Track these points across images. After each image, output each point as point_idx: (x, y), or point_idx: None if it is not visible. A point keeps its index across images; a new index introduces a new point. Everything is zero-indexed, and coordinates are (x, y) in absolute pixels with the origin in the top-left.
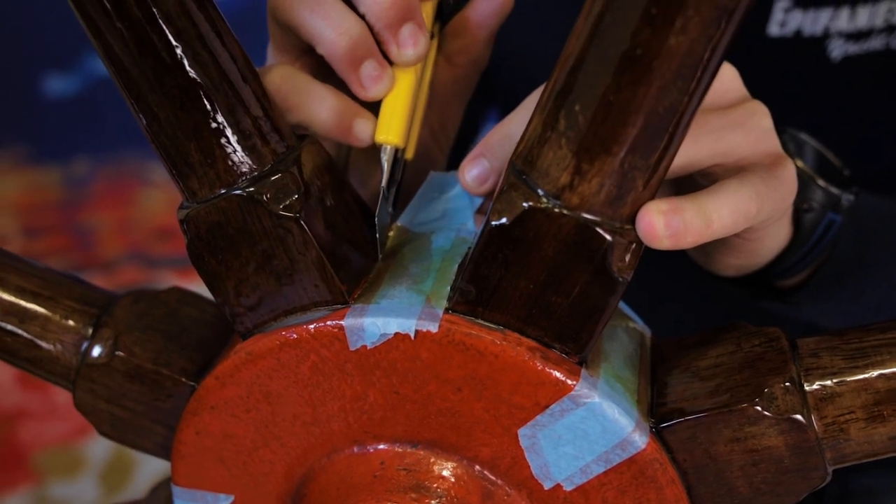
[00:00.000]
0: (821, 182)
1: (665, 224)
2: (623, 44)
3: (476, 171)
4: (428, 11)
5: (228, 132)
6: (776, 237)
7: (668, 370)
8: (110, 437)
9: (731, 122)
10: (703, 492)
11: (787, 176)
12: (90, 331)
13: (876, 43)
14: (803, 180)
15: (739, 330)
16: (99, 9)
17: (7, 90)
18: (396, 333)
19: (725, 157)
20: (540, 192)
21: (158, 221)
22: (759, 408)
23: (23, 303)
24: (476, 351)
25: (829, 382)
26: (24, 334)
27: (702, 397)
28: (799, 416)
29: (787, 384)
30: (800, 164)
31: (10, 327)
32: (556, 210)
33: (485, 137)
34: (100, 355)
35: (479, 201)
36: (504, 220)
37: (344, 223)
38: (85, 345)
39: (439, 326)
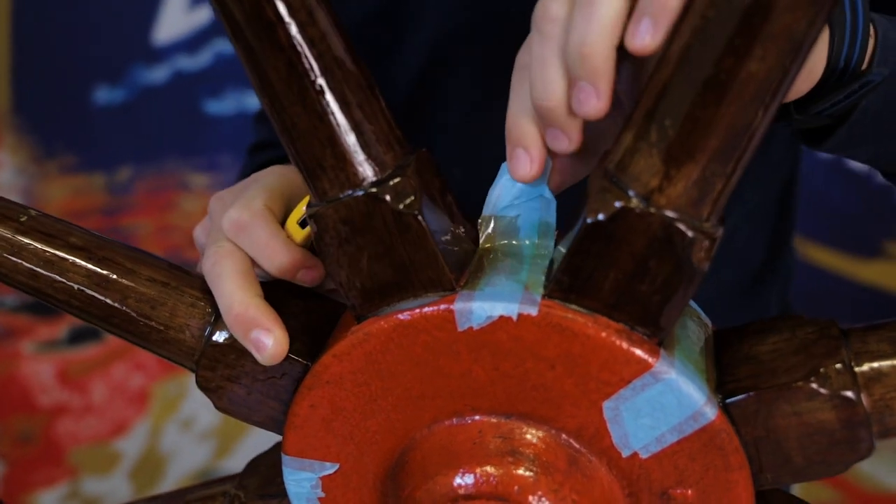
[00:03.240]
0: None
1: None
2: (709, 69)
3: (519, 161)
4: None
5: (359, 141)
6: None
7: (730, 354)
8: (226, 412)
9: None
10: (762, 461)
11: None
12: (213, 317)
13: None
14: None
15: (794, 319)
16: (255, 37)
17: (60, 101)
18: (501, 316)
19: None
20: (631, 193)
21: (194, 226)
22: (815, 386)
23: (154, 292)
24: (571, 332)
25: (876, 364)
26: (156, 319)
27: (763, 377)
28: (850, 394)
29: (840, 365)
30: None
31: (144, 313)
32: (646, 210)
33: (508, 129)
34: (224, 338)
35: (549, 166)
36: (598, 218)
37: (450, 220)
38: (208, 329)
39: (538, 310)
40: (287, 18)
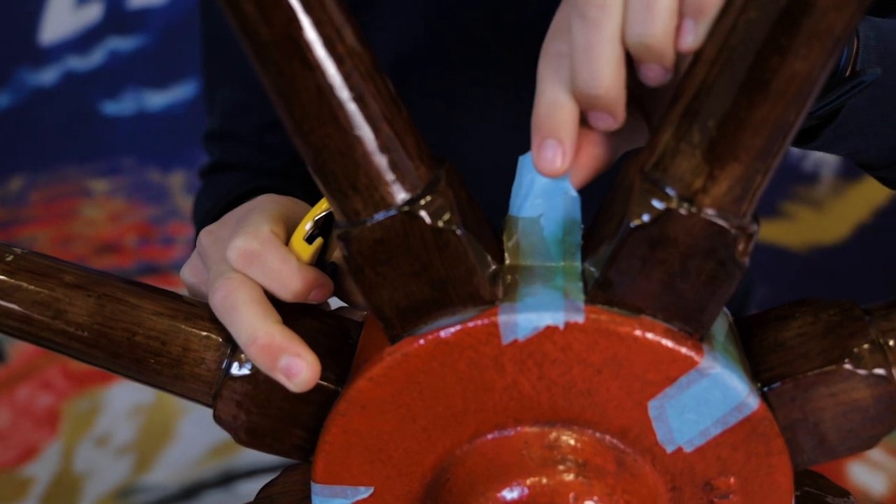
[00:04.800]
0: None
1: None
2: (754, 69)
3: (549, 153)
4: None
5: (393, 159)
6: None
7: (758, 343)
8: (247, 445)
9: None
10: (798, 443)
11: None
12: (230, 348)
13: None
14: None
15: (814, 303)
16: (284, 58)
17: None
18: (547, 326)
19: None
20: (673, 195)
21: (100, 236)
22: (849, 367)
23: (163, 326)
24: (617, 336)
25: None
26: (168, 355)
27: (797, 362)
28: (883, 371)
29: (871, 345)
30: None
31: (154, 349)
32: (691, 211)
33: (534, 120)
34: (246, 369)
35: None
36: (643, 221)
37: (481, 231)
38: (226, 361)
39: (585, 317)
40: (316, 37)
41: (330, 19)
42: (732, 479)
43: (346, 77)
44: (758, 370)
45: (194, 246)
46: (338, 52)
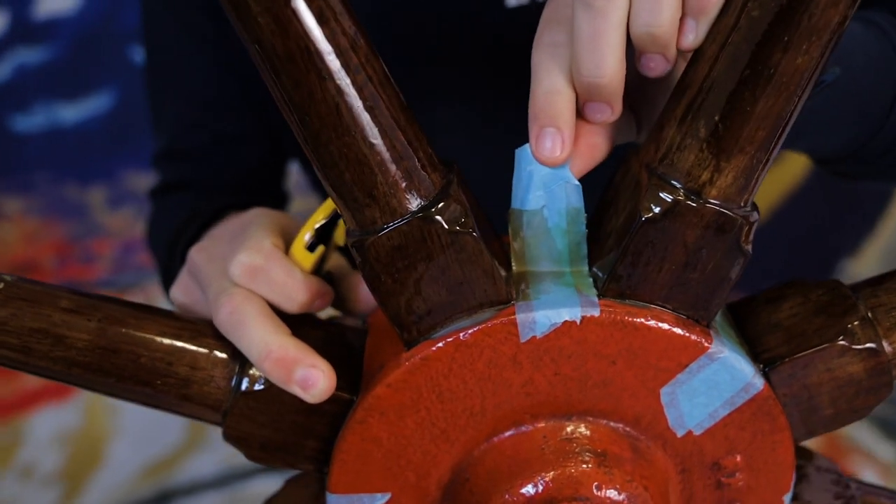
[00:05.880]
0: None
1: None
2: (758, 64)
3: (548, 142)
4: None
5: (408, 166)
6: None
7: (752, 326)
8: (260, 461)
9: None
10: (796, 417)
11: None
12: (238, 365)
13: None
14: None
15: (800, 285)
16: (299, 70)
17: None
18: (565, 321)
19: None
20: (681, 188)
21: (16, 257)
22: (845, 343)
23: (168, 346)
24: (633, 327)
25: (893, 314)
26: (175, 375)
27: (794, 341)
28: (874, 345)
29: (862, 321)
30: None
31: (160, 370)
32: (699, 202)
33: (531, 108)
34: (259, 384)
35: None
36: (653, 214)
37: (491, 231)
38: (235, 377)
39: (600, 310)
40: (332, 48)
41: (344, 30)
42: (739, 458)
43: (363, 87)
44: (756, 351)
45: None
46: (353, 63)
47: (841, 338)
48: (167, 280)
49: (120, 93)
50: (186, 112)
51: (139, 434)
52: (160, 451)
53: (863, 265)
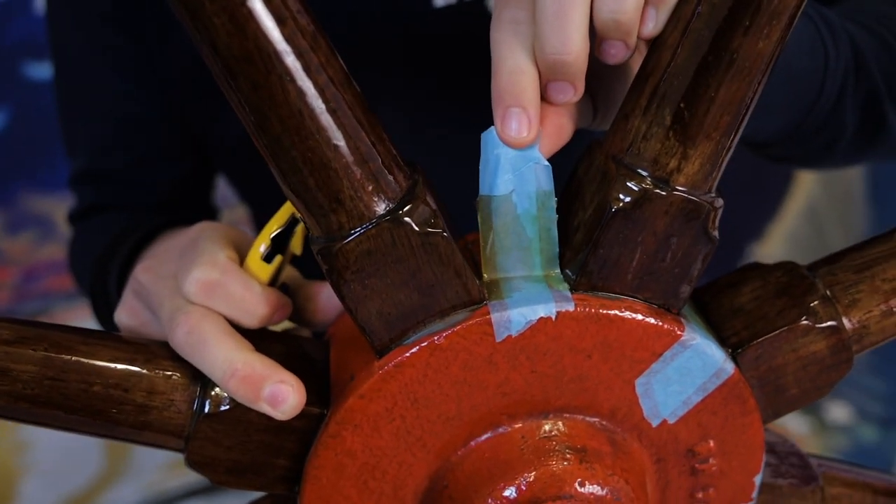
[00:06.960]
0: None
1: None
2: (721, 50)
3: (514, 123)
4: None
5: (373, 169)
6: None
7: (715, 311)
8: (227, 485)
9: None
10: (763, 399)
11: None
12: (199, 387)
13: None
14: None
15: (757, 268)
16: (258, 72)
17: None
18: (540, 318)
19: None
20: (649, 176)
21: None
22: (808, 322)
23: (122, 372)
24: (607, 320)
25: (850, 292)
26: (132, 402)
27: (759, 324)
28: (835, 322)
29: (821, 300)
30: None
31: (116, 398)
32: (667, 191)
33: (494, 88)
34: (224, 405)
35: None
36: (622, 205)
37: (456, 232)
38: (197, 400)
39: (574, 305)
40: (291, 48)
41: (303, 30)
42: (712, 443)
43: (324, 88)
44: (723, 336)
45: (93, 288)
46: (314, 63)
47: (804, 318)
48: (99, 304)
49: (12, 111)
50: (103, 132)
51: (52, 469)
52: (77, 486)
53: (769, 248)
